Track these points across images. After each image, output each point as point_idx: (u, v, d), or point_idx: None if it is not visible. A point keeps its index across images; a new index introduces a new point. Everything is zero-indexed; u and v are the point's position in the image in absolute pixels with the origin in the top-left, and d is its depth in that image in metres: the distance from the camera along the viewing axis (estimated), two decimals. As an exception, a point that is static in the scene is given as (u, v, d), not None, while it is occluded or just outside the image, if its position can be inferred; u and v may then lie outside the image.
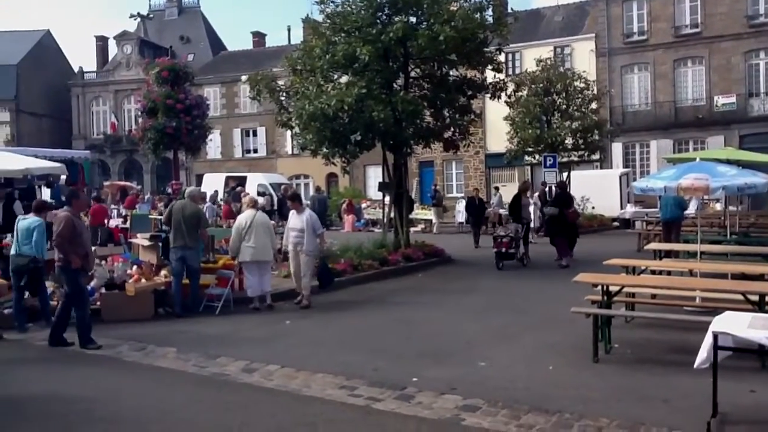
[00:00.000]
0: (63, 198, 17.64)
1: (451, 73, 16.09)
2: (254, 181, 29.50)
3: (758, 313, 5.94)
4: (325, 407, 5.73)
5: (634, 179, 28.49)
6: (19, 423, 5.45)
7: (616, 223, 25.01)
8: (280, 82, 16.27)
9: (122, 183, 32.61)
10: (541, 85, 24.71)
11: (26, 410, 5.78)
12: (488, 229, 23.73)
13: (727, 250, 10.96)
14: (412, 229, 18.24)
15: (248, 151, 42.71)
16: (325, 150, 14.80)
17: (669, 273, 9.59)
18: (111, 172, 43.44)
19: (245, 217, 10.57)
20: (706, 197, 13.87)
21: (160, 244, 11.15)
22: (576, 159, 25.74)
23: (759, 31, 29.44)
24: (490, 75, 16.61)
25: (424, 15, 14.76)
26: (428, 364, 7.03)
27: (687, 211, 14.62)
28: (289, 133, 29.71)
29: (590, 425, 5.17)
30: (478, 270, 14.91)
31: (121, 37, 45.86)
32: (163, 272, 10.54)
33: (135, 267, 10.60)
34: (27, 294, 9.22)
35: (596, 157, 27.27)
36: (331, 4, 14.90)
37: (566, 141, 24.64)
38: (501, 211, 23.05)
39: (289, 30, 69.83)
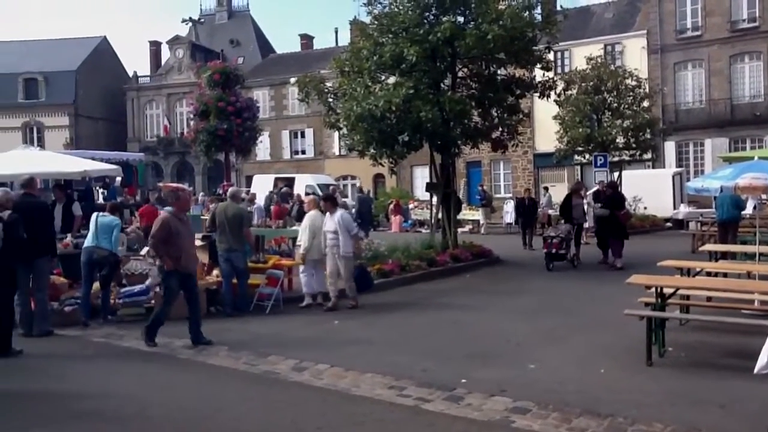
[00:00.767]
0: (118, 199, 18.20)
1: (499, 72, 15.96)
2: (302, 182, 29.80)
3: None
4: (374, 407, 5.75)
5: (688, 179, 27.88)
6: (74, 419, 5.62)
7: (668, 224, 24.45)
8: (328, 84, 16.39)
9: (174, 185, 33.32)
10: (592, 83, 24.28)
11: (82, 406, 5.96)
12: (537, 230, 23.52)
13: (788, 252, 10.59)
14: (459, 230, 18.16)
15: (296, 153, 43.17)
16: (372, 151, 14.86)
17: (725, 275, 9.32)
18: (164, 173, 44.47)
19: (317, 216, 10.72)
20: (764, 197, 13.46)
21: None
22: (627, 158, 25.23)
23: (821, 25, 28.38)
24: (539, 74, 16.43)
25: (472, 14, 14.70)
26: (477, 365, 7.00)
27: (744, 212, 14.19)
28: (336, 134, 29.97)
29: (643, 430, 5.07)
30: (527, 271, 14.76)
31: (174, 42, 46.93)
32: (215, 272, 10.74)
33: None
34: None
35: (648, 156, 26.64)
36: (378, 5, 14.98)
37: (617, 140, 24.17)
38: (550, 211, 22.76)
39: (336, 32, 70.11)
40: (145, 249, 13.82)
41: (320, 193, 27.34)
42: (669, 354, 7.18)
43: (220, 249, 10.16)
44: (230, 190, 11.85)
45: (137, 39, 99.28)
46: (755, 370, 4.85)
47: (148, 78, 47.72)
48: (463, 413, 5.54)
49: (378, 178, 38.03)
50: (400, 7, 14.59)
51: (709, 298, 8.39)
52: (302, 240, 10.81)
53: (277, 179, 30.73)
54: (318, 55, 41.66)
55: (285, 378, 6.73)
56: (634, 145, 24.48)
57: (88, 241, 9.66)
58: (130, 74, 48.17)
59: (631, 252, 14.81)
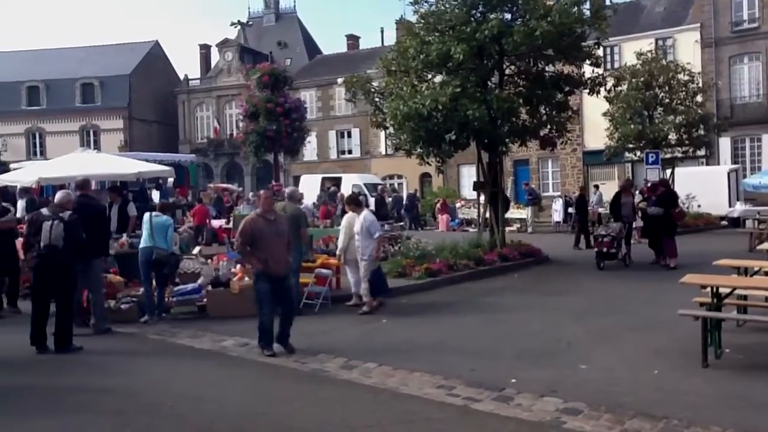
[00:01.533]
0: (170, 199, 18.66)
1: (547, 69, 15.78)
2: (349, 182, 29.98)
3: None
4: (423, 406, 5.76)
5: (744, 176, 27.06)
6: (132, 413, 5.78)
7: (723, 222, 23.77)
8: (375, 84, 16.46)
9: (224, 185, 33.92)
10: (642, 78, 23.76)
11: (139, 401, 6.13)
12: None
13: None
14: (507, 229, 18.01)
15: (343, 152, 43.44)
16: (419, 150, 14.86)
17: (786, 275, 9.01)
18: (214, 174, 45.25)
19: (354, 216, 10.78)
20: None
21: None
22: (680, 155, 24.61)
23: None
24: (588, 70, 16.18)
25: (520, 11, 14.57)
26: (527, 365, 6.94)
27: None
28: (383, 133, 30.07)
29: (700, 433, 4.96)
30: (577, 270, 14.56)
31: (223, 45, 47.74)
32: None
33: (239, 265, 11.00)
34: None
35: (702, 153, 25.94)
36: (425, 4, 14.95)
37: (669, 136, 23.59)
38: (600, 210, 22.36)
39: (382, 32, 70.62)
40: (197, 248, 14.17)
41: (367, 192, 27.59)
42: (726, 356, 7.00)
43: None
44: (288, 190, 11.92)
45: (188, 43, 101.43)
46: None
47: (199, 81, 48.65)
48: (513, 413, 5.50)
49: (425, 177, 38.00)
50: (447, 6, 14.55)
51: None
52: (339, 240, 10.88)
53: (324, 179, 31.00)
54: (364, 55, 41.83)
55: (334, 376, 6.80)
56: (687, 142, 23.87)
57: (144, 242, 9.87)
58: (181, 77, 49.19)
59: (684, 251, 14.46)
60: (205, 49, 50.50)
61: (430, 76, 15.02)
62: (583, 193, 17.04)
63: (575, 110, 16.68)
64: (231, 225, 17.34)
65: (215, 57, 49.25)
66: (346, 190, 26.53)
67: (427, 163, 15.60)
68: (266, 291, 7.57)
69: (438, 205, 28.83)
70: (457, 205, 29.84)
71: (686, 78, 23.91)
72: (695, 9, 32.15)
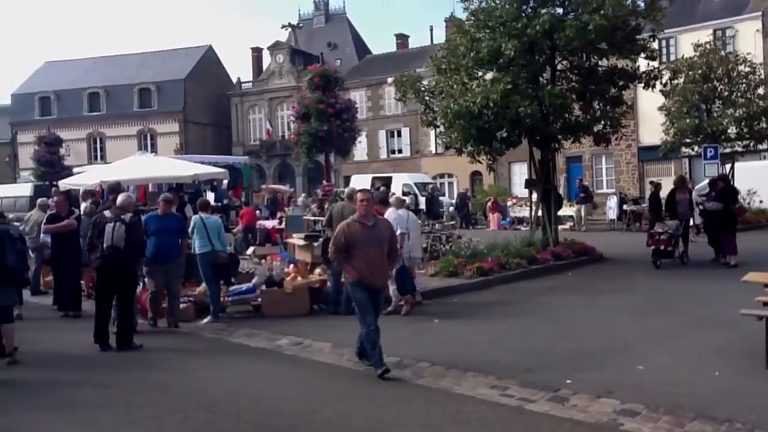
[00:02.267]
0: (225, 201, 19.02)
1: (600, 63, 15.49)
2: (399, 181, 30.02)
3: None
4: (477, 406, 5.74)
5: (811, 169, 25.94)
6: (191, 410, 5.93)
7: (788, 218, 22.89)
8: (425, 82, 16.43)
9: (276, 186, 34.42)
10: (700, 71, 23.05)
11: (197, 398, 6.29)
12: (641, 226, 22.66)
13: None
14: (560, 227, 17.75)
15: (393, 152, 43.53)
16: (470, 148, 14.77)
17: None
18: (266, 176, 45.93)
19: (403, 216, 10.78)
20: None
21: (315, 243, 11.65)
22: (740, 150, 23.78)
23: None
24: (643, 63, 15.80)
25: (572, 5, 14.34)
26: (582, 365, 6.84)
27: None
28: (432, 132, 30.01)
29: (765, 437, 4.80)
30: (632, 269, 14.24)
31: (274, 48, 48.40)
32: (317, 270, 11.02)
33: (291, 265, 11.16)
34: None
35: (764, 146, 24.99)
36: (475, 0, 14.85)
37: (729, 130, 22.80)
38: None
39: (431, 30, 70.46)
40: (251, 249, 14.41)
41: (417, 191, 27.59)
42: (792, 357, 6.74)
43: None
44: (347, 190, 11.92)
45: (240, 46, 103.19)
46: None
47: (251, 84, 49.44)
48: (569, 414, 5.43)
49: (475, 176, 37.76)
50: (497, 2, 14.43)
51: (837, 298, 7.79)
52: None
53: (374, 179, 31.12)
54: (413, 54, 41.80)
55: (388, 375, 6.80)
56: (747, 136, 23.03)
57: (204, 246, 9.87)
58: (234, 81, 50.08)
59: (745, 248, 13.98)
60: (256, 52, 51.29)
61: (480, 73, 14.90)
62: (658, 190, 16.11)
63: (630, 105, 16.31)
64: (283, 226, 17.58)
65: (267, 60, 49.97)
66: (396, 189, 26.58)
67: (478, 161, 15.50)
68: (365, 300, 6.87)
69: (489, 204, 28.61)
70: (509, 203, 29.55)
71: (747, 69, 23.09)
72: (756, -3, 31.06)
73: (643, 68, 15.72)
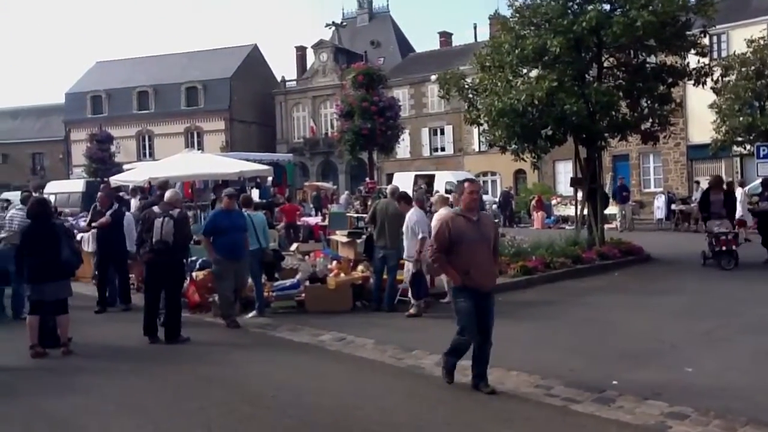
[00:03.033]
0: (268, 198, 19.27)
1: (648, 60, 15.19)
2: (442, 179, 29.91)
3: None
4: (521, 405, 5.70)
5: None
6: (236, 403, 6.02)
7: None
8: (468, 80, 16.36)
9: (319, 183, 34.70)
10: (753, 67, 22.38)
11: (242, 390, 6.39)
12: (690, 226, 22.16)
13: None
14: (606, 226, 17.48)
15: (435, 150, 43.41)
16: (514, 146, 14.68)
17: None
18: (309, 173, 46.31)
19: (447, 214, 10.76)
20: None
21: (358, 240, 11.71)
22: (796, 148, 23.00)
23: None
24: (693, 60, 15.44)
25: (620, 1, 14.10)
26: (628, 366, 6.72)
27: None
28: (476, 130, 29.76)
29: (821, 443, 4.65)
30: (681, 269, 13.94)
31: (318, 46, 48.73)
32: (360, 267, 11.08)
33: (335, 262, 11.24)
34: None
35: (821, 144, 24.12)
36: (520, -3, 14.73)
37: (784, 127, 22.11)
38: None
39: (475, 27, 69.86)
40: (294, 245, 14.57)
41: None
42: None
43: (377, 245, 10.20)
44: (390, 188, 11.90)
45: (285, 45, 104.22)
46: None
47: (295, 82, 49.89)
48: (615, 416, 5.35)
49: (519, 174, 37.41)
50: (543, -1, 14.29)
51: None
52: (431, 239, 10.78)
53: (416, 176, 31.08)
54: (457, 52, 41.60)
55: (430, 373, 6.81)
56: (803, 133, 22.29)
57: (252, 242, 9.86)
58: (279, 79, 50.61)
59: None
60: (301, 51, 51.72)
61: (525, 70, 14.78)
62: (732, 189, 15.56)
63: (679, 102, 15.96)
64: (327, 222, 17.72)
65: (311, 58, 50.36)
66: (439, 187, 26.51)
67: (522, 159, 15.38)
68: (470, 309, 6.10)
69: (533, 202, 28.33)
70: (553, 201, 29.20)
71: (803, 65, 22.34)
72: (813, -9, 30.01)
73: (693, 65, 15.35)
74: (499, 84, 14.31)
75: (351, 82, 21.84)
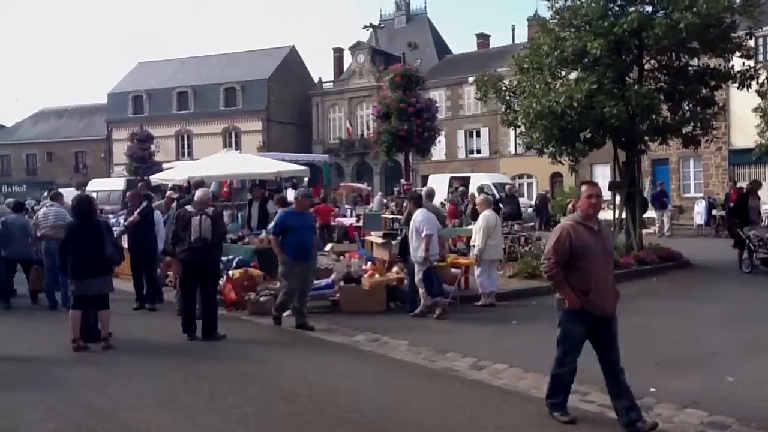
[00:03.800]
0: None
1: (691, 62, 14.92)
2: (477, 182, 29.72)
3: None
4: (556, 410, 5.64)
5: None
6: (272, 401, 6.11)
7: None
8: (506, 82, 16.26)
9: (354, 184, 34.79)
10: (801, 69, 21.81)
11: (278, 389, 6.46)
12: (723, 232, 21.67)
13: None
14: (644, 231, 17.20)
15: (471, 152, 43.21)
16: (552, 149, 14.54)
17: None
18: (345, 174, 46.49)
19: (492, 216, 10.77)
20: None
21: (393, 242, 11.72)
22: (843, 153, 22.36)
23: None
24: (737, 62, 15.10)
25: (662, 2, 13.88)
26: (667, 374, 6.61)
27: None
28: (512, 132, 29.61)
29: None
30: (721, 276, 13.65)
31: (355, 48, 48.91)
32: (394, 268, 11.08)
33: (369, 263, 11.26)
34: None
35: None
36: (560, -1, 14.60)
37: (831, 133, 21.50)
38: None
39: (513, 29, 69.34)
40: (329, 245, 14.63)
41: (495, 192, 27.27)
42: None
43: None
44: (425, 189, 11.92)
45: (322, 47, 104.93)
46: None
47: (332, 83, 50.14)
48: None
49: (555, 177, 37.01)
50: (583, 0, 14.13)
51: None
52: (476, 240, 10.80)
53: (452, 178, 30.96)
54: (494, 54, 41.36)
55: (464, 375, 6.81)
56: None
57: None
58: (316, 80, 50.93)
59: None
60: (338, 53, 51.94)
61: (564, 72, 14.65)
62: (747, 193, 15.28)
63: (721, 106, 15.63)
64: (361, 223, 17.75)
65: (347, 60, 50.57)
66: (474, 189, 26.36)
67: (560, 162, 15.24)
68: (580, 336, 5.34)
69: (570, 206, 27.96)
70: (590, 206, 28.77)
71: None
72: None
73: (737, 67, 15.02)
74: (537, 86, 14.20)
75: (389, 84, 21.86)
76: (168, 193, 12.86)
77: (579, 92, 13.07)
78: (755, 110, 23.03)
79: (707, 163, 33.10)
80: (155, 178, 17.23)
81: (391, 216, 17.15)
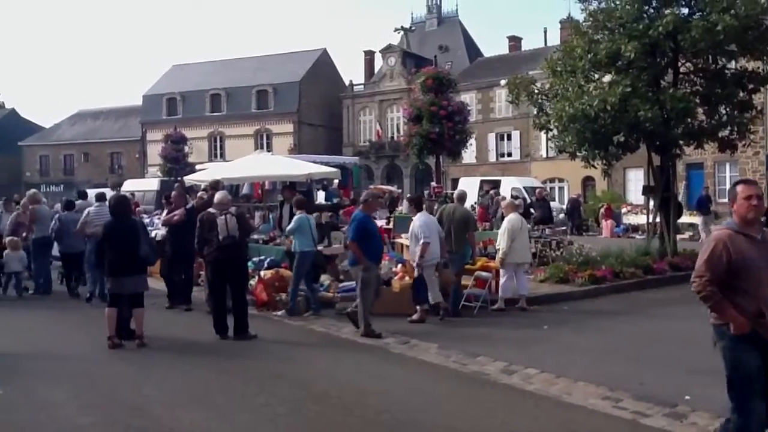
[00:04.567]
0: (334, 200, 19.46)
1: (728, 65, 14.66)
2: (508, 185, 29.60)
3: None
4: (589, 417, 5.59)
5: None
6: (302, 400, 6.13)
7: None
8: (538, 85, 16.14)
9: (384, 187, 34.83)
10: (843, 73, 21.27)
11: (308, 389, 6.50)
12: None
13: None
14: (678, 236, 16.93)
15: (502, 155, 43.00)
16: (584, 152, 14.40)
17: None
18: (374, 176, 46.58)
19: (517, 219, 10.72)
20: None
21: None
22: None
23: None
24: (776, 66, 14.80)
25: (699, 4, 13.67)
26: (702, 382, 6.47)
27: None
28: (544, 136, 29.32)
29: None
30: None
31: (386, 51, 49.02)
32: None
33: (399, 265, 11.25)
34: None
35: None
36: (593, 1, 14.46)
37: None
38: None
39: (545, 32, 69.00)
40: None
41: (526, 195, 27.09)
42: None
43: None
44: (457, 192, 11.90)
45: (353, 49, 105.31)
46: None
47: (362, 86, 50.32)
48: (688, 432, 5.19)
49: (587, 181, 36.66)
50: (618, 2, 13.98)
51: None
52: (500, 244, 10.75)
53: (482, 182, 30.82)
54: (526, 57, 41.12)
55: (495, 380, 6.77)
56: None
57: (309, 244, 10.10)
58: (346, 83, 51.15)
59: None
60: (369, 56, 52.11)
61: (597, 75, 14.49)
62: None
63: (759, 110, 15.31)
64: (391, 226, 17.74)
65: (378, 62, 50.70)
66: (505, 192, 26.21)
67: (593, 166, 15.08)
68: (755, 366, 4.26)
69: (602, 210, 27.69)
70: (623, 210, 28.47)
71: None
72: None
73: (777, 71, 14.72)
74: (570, 89, 14.09)
75: (420, 86, 21.83)
76: (200, 194, 13.01)
77: (613, 95, 12.93)
78: (795, 114, 22.57)
79: (744, 167, 32.47)
80: (189, 179, 17.44)
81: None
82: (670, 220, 15.00)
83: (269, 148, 42.38)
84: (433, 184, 22.81)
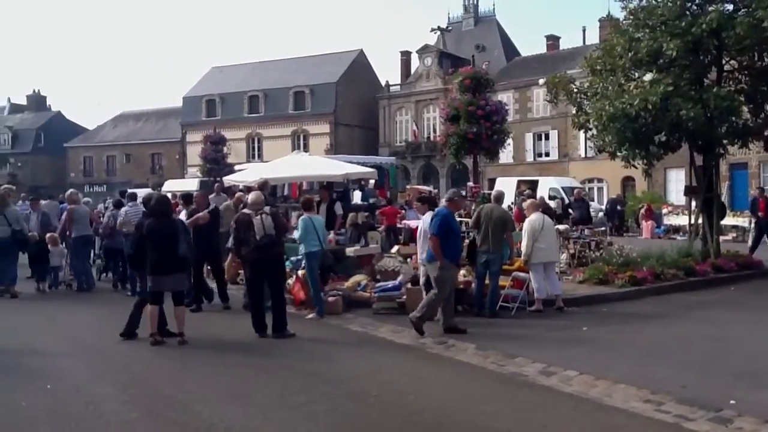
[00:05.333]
0: (370, 201, 19.52)
1: (774, 63, 14.30)
2: (546, 185, 29.31)
3: None
4: (630, 420, 5.51)
5: None
6: (340, 399, 6.19)
7: None
8: (577, 83, 15.95)
9: (420, 187, 34.77)
10: None
11: (346, 387, 6.54)
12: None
13: None
14: (721, 238, 16.56)
15: (539, 155, 42.60)
16: (624, 152, 14.18)
17: None
18: (411, 176, 46.56)
19: (537, 219, 10.63)
20: None
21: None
22: None
23: None
24: (826, 62, 14.38)
25: (744, 1, 13.35)
26: (747, 386, 6.35)
27: None
28: (582, 136, 28.99)
29: None
30: (807, 286, 13.00)
31: (423, 51, 48.97)
32: (462, 271, 11.02)
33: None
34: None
35: None
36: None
37: None
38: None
39: (584, 30, 67.99)
40: (395, 248, 14.68)
41: (564, 196, 26.79)
42: None
43: (480, 250, 10.10)
44: (493, 192, 11.82)
45: (390, 50, 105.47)
46: None
47: (399, 86, 50.34)
48: (733, 437, 5.09)
49: (627, 181, 36.10)
50: (659, 0, 13.74)
51: None
52: (523, 245, 10.66)
53: (519, 182, 30.56)
54: (564, 56, 40.67)
55: (533, 381, 6.71)
56: None
57: (315, 245, 10.06)
58: (383, 84, 51.23)
59: None
60: (405, 56, 52.13)
61: (638, 74, 14.24)
62: None
63: (809, 108, 14.87)
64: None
65: (415, 63, 50.66)
66: (543, 193, 25.95)
67: (633, 166, 14.84)
68: None
69: (642, 211, 27.24)
70: (664, 210, 27.97)
71: None
72: None
73: (825, 67, 14.30)
74: (610, 88, 13.90)
75: (458, 86, 21.75)
76: (238, 194, 13.19)
77: (654, 94, 12.71)
78: None
79: (790, 167, 31.62)
80: (228, 180, 17.68)
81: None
82: (713, 222, 14.70)
83: (306, 149, 42.61)
84: (470, 184, 22.69)
